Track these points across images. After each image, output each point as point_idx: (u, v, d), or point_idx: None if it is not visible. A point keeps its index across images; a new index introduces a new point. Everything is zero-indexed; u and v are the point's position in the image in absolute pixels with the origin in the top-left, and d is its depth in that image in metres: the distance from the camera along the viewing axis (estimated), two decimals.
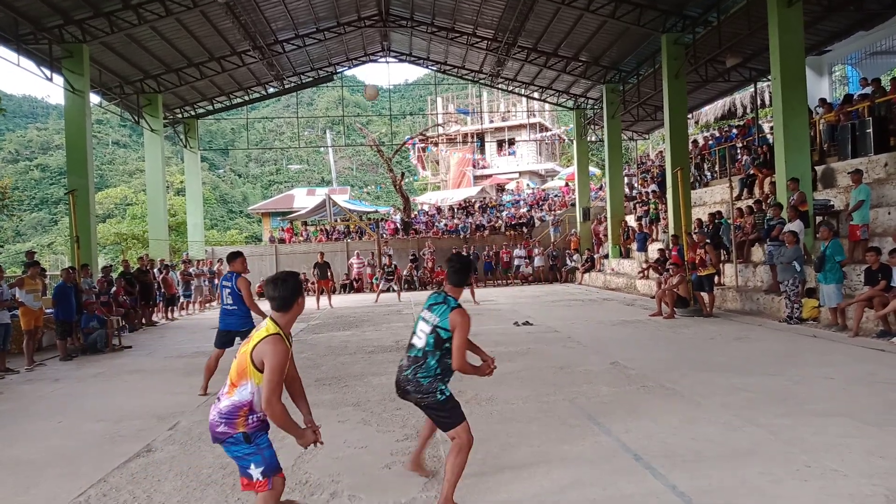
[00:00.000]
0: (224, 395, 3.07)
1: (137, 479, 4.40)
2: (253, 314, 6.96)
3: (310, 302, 20.28)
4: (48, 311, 10.85)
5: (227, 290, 7.00)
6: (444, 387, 3.63)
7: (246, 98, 26.69)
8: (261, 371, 2.97)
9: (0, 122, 53.81)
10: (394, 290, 20.19)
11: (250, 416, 3.06)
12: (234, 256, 7.11)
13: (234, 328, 6.93)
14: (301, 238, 29.30)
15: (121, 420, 6.07)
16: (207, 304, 19.83)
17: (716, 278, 12.78)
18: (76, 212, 14.56)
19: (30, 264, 10.81)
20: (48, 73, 15.71)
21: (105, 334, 11.11)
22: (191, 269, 18.67)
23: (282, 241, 28.56)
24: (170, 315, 16.85)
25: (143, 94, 20.89)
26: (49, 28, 15.10)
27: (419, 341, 3.71)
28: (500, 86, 28.47)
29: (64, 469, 4.71)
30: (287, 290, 3.15)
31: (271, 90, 27.06)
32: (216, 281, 20.86)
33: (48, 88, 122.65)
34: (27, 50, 15.19)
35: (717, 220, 14.71)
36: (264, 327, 3.09)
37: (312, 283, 24.37)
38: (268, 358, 2.96)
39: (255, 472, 3.05)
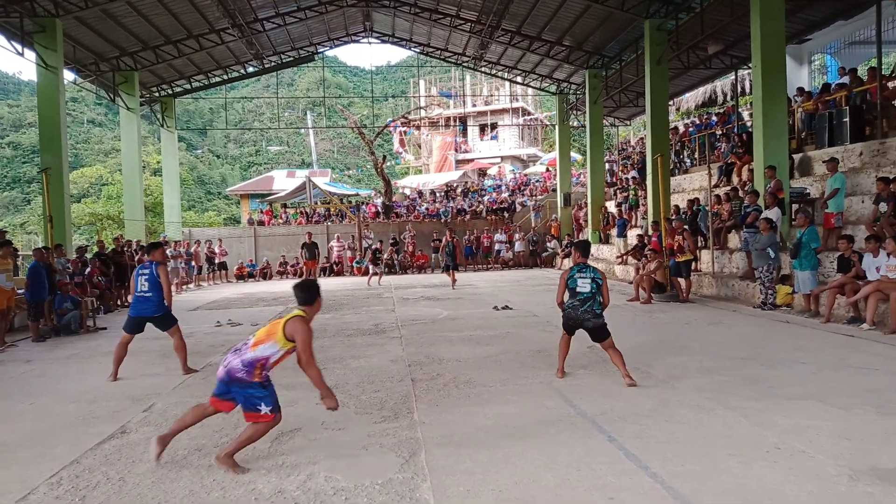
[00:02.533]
0: (247, 348, 4.00)
1: (111, 461, 4.36)
2: (168, 301, 7.12)
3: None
4: (20, 291, 10.64)
5: (145, 278, 7.06)
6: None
7: (224, 77, 26.22)
8: (290, 340, 3.98)
9: None
10: (377, 273, 20.04)
11: (263, 371, 4.01)
12: (155, 247, 7.41)
13: (147, 314, 7.03)
14: (280, 220, 29.04)
15: (95, 401, 6.00)
16: (184, 286, 19.62)
17: (693, 264, 12.94)
18: (49, 191, 14.22)
19: (2, 243, 10.57)
20: (19, 47, 15.28)
21: (79, 315, 10.94)
22: (168, 251, 18.41)
23: (261, 223, 28.29)
24: None
25: (118, 71, 20.41)
26: (20, 0, 14.63)
27: (585, 288, 6.03)
28: (483, 69, 28.32)
29: (36, 451, 4.65)
30: (310, 292, 4.27)
31: (251, 69, 26.63)
32: (193, 263, 20.65)
33: (20, 64, 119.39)
34: None
35: (695, 207, 14.86)
36: (296, 311, 4.13)
37: (292, 266, 24.33)
38: (298, 334, 3.98)
39: (265, 408, 4.00)
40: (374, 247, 22.21)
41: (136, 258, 16.28)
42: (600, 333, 6.07)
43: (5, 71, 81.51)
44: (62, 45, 15.72)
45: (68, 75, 18.57)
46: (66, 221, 15.65)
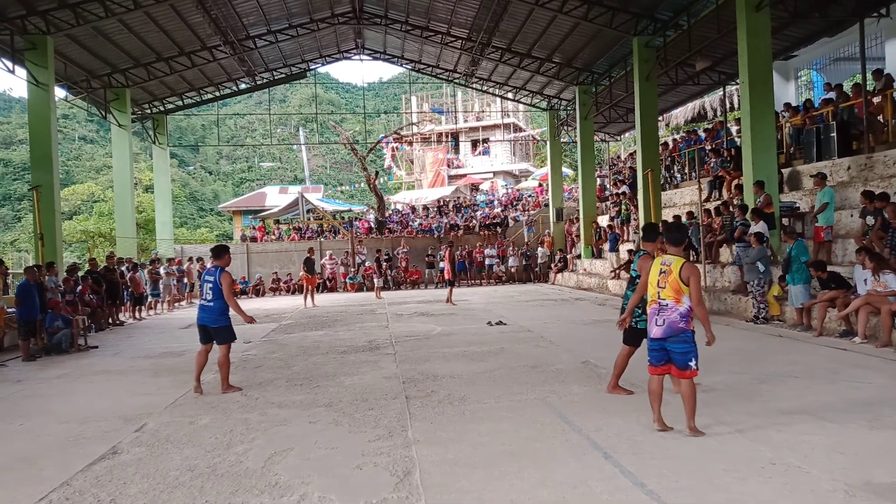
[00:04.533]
0: (673, 304, 4.69)
1: (102, 483, 4.30)
2: (231, 311, 6.84)
3: (296, 300, 20.13)
4: (10, 310, 10.55)
5: (209, 285, 6.76)
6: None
7: (217, 94, 26.27)
8: (687, 285, 4.65)
9: None
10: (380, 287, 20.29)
11: (691, 318, 4.69)
12: (223, 251, 7.01)
13: (207, 323, 6.80)
14: (273, 237, 29.00)
15: (86, 422, 5.93)
16: (176, 304, 19.49)
17: None
18: (40, 208, 14.19)
19: None
20: (10, 65, 15.28)
21: (70, 334, 10.84)
22: (161, 269, 18.32)
23: (253, 239, 28.23)
24: (137, 315, 16.52)
25: (110, 88, 20.42)
26: (11, 18, 14.65)
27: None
28: (474, 85, 28.55)
29: (25, 473, 4.58)
30: (683, 232, 5.18)
31: (243, 86, 26.73)
32: (185, 280, 20.52)
33: (11, 81, 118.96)
34: None
35: (685, 222, 14.95)
36: (676, 259, 4.78)
37: (285, 282, 24.25)
38: (693, 276, 4.67)
39: (693, 363, 4.67)
40: (377, 257, 22.36)
41: (129, 276, 16.20)
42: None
43: None
44: (53, 62, 15.73)
45: (59, 92, 18.57)
46: (58, 239, 15.55)
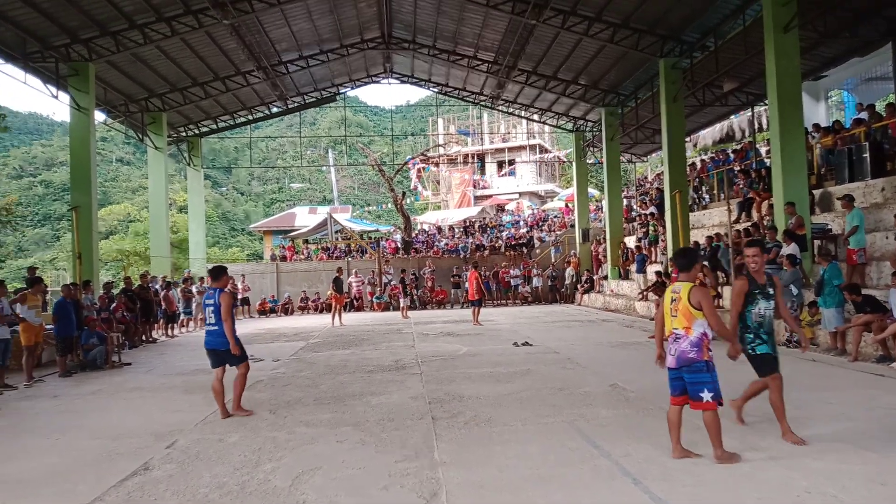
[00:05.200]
0: (684, 334, 4.55)
1: (134, 499, 4.39)
2: (227, 333, 6.54)
3: (324, 319, 20.32)
4: (48, 326, 10.85)
5: (211, 308, 6.62)
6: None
7: (249, 117, 26.88)
8: (699, 310, 4.49)
9: (5, 138, 54.01)
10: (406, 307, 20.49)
11: (709, 349, 4.56)
12: (221, 272, 6.85)
13: (217, 347, 6.64)
14: (302, 256, 29.35)
15: (118, 438, 6.05)
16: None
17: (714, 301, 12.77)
18: (79, 228, 14.61)
19: (35, 280, 10.84)
20: (54, 90, 15.89)
21: (105, 351, 11.09)
22: (193, 287, 18.65)
23: (283, 258, 28.60)
24: (170, 332, 16.82)
25: (147, 112, 21.07)
26: (56, 46, 15.31)
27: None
28: (500, 108, 28.71)
29: (59, 487, 4.69)
30: (689, 258, 4.82)
31: (275, 109, 27.30)
32: None
33: (53, 106, 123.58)
34: (34, 68, 15.38)
35: (714, 243, 14.76)
36: (684, 285, 4.60)
37: (313, 301, 24.48)
38: (704, 299, 4.52)
39: (707, 395, 4.49)
40: (402, 277, 22.61)
41: (163, 294, 16.54)
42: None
43: (40, 112, 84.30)
44: (94, 87, 16.32)
45: (99, 116, 19.21)
46: (94, 258, 15.99)
